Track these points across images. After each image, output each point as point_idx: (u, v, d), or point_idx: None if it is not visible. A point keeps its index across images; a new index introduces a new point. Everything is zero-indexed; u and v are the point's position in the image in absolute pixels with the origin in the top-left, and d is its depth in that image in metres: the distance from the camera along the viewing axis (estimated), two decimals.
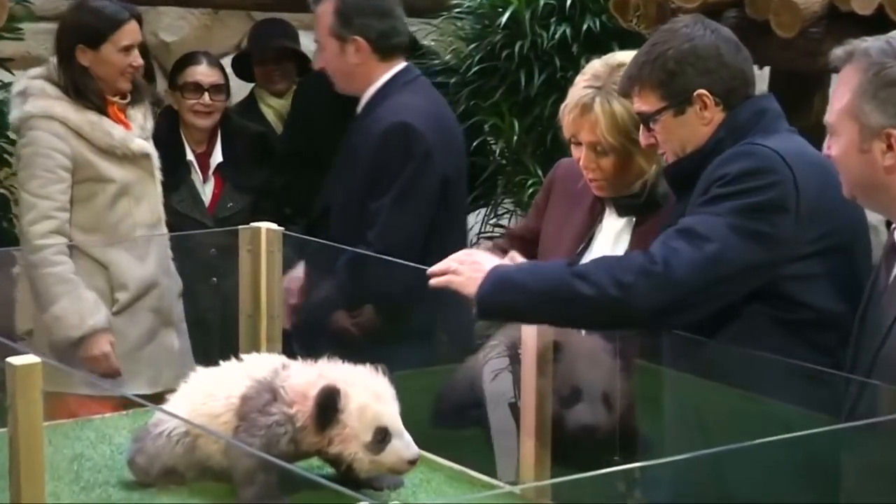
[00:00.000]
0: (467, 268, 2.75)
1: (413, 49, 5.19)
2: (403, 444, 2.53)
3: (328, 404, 2.51)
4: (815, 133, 4.06)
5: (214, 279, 4.44)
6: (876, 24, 3.69)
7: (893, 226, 2.60)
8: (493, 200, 5.09)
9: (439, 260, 2.85)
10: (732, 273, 2.66)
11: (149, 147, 4.22)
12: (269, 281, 3.31)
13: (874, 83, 2.47)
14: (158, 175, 4.27)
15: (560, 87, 4.41)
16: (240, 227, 3.37)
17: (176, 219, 4.51)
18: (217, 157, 4.72)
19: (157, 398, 3.56)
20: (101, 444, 2.96)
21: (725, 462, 2.18)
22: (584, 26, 4.74)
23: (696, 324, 2.68)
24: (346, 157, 4.09)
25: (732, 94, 2.86)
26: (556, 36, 4.75)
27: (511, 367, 3.28)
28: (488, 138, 5.05)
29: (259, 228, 3.31)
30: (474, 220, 5.14)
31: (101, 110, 4.13)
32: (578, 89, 3.15)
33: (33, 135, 4.08)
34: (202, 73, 4.71)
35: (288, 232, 3.36)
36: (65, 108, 4.09)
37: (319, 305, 3.93)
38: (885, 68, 2.47)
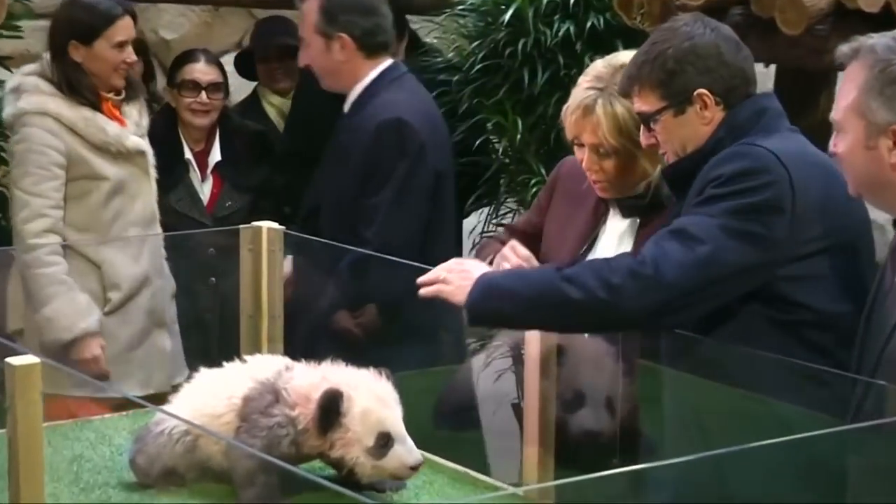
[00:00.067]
0: (456, 276, 2.76)
1: (415, 47, 5.21)
2: (406, 450, 2.53)
3: (331, 407, 2.52)
4: (822, 131, 4.06)
5: (213, 279, 4.44)
6: (882, 21, 3.68)
7: None
8: (495, 200, 5.09)
9: (431, 257, 2.85)
10: (725, 274, 2.65)
11: (144, 144, 4.22)
12: (270, 281, 3.31)
13: (880, 80, 2.48)
14: (153, 173, 4.26)
15: (564, 86, 4.42)
16: (241, 226, 3.37)
17: (174, 218, 4.51)
18: (215, 155, 4.71)
19: (156, 399, 3.58)
20: (100, 444, 2.96)
21: (729, 464, 2.19)
22: (588, 24, 4.74)
23: (693, 324, 2.69)
24: (335, 155, 4.09)
25: (733, 93, 2.86)
26: (560, 34, 4.76)
27: (514, 367, 3.29)
28: (491, 137, 5.05)
29: (260, 228, 3.31)
30: (477, 219, 5.15)
31: (95, 106, 4.12)
32: (581, 90, 3.16)
33: (27, 131, 4.08)
34: (200, 70, 4.71)
35: (289, 231, 3.36)
36: (59, 105, 4.09)
37: (320, 305, 3.94)
38: (891, 65, 2.47)
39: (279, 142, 4.98)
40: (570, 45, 4.76)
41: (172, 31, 6.91)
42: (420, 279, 2.81)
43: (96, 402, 3.84)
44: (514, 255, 3.27)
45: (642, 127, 2.95)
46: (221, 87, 4.73)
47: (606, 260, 2.73)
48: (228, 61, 5.37)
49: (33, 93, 4.11)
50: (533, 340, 2.80)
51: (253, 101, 5.28)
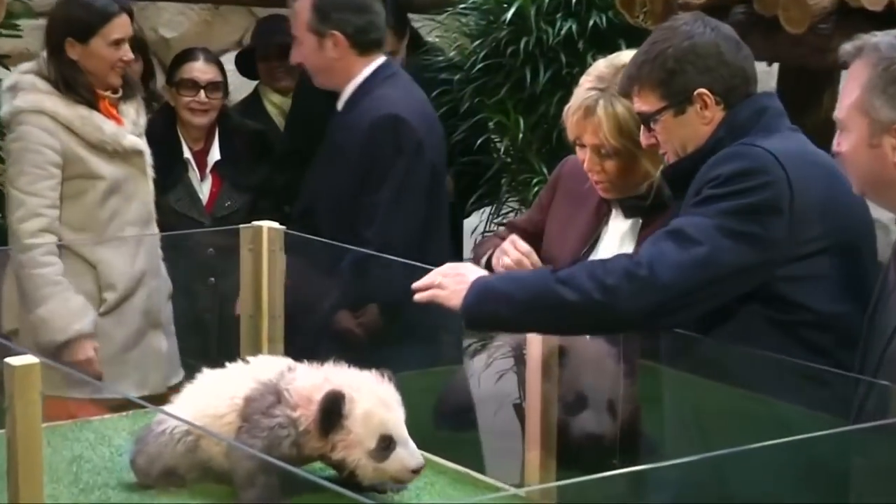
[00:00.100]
0: (451, 281, 2.76)
1: (417, 45, 5.22)
2: (408, 453, 2.53)
3: (333, 409, 2.52)
4: (825, 130, 4.06)
5: (213, 279, 4.44)
6: (886, 19, 3.68)
7: None
8: (497, 199, 5.09)
9: (427, 255, 2.85)
10: (722, 275, 2.65)
11: (141, 143, 4.21)
12: (270, 281, 3.31)
13: (884, 78, 2.48)
14: (150, 172, 4.25)
15: (566, 84, 4.42)
16: (241, 225, 3.37)
17: (173, 218, 4.51)
18: (215, 154, 4.71)
19: (153, 400, 3.57)
20: (100, 445, 2.96)
21: (731, 464, 2.19)
22: (591, 22, 4.74)
23: (692, 325, 2.69)
24: (329, 153, 4.10)
25: (733, 92, 2.85)
26: (562, 32, 4.76)
27: (515, 367, 3.29)
28: (493, 136, 5.05)
29: (260, 227, 3.31)
30: (478, 219, 5.15)
31: (92, 104, 4.12)
32: (582, 91, 3.16)
33: (23, 130, 4.08)
34: (199, 69, 4.71)
35: (290, 231, 3.36)
36: (55, 103, 4.08)
37: (320, 305, 3.94)
38: (894, 63, 2.47)
39: (280, 141, 4.98)
40: (573, 43, 4.76)
41: (172, 29, 6.90)
42: (415, 284, 2.82)
43: (94, 403, 3.85)
44: (514, 249, 3.28)
45: (642, 127, 2.95)
46: (220, 86, 4.73)
47: (602, 261, 2.72)
48: (229, 60, 5.37)
49: (30, 91, 4.11)
50: (534, 341, 2.80)
51: (254, 99, 5.28)
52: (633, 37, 4.35)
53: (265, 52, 5.25)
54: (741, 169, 2.69)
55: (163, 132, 4.64)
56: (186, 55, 4.81)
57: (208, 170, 4.70)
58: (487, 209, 5.15)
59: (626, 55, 3.14)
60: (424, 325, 3.73)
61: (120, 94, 4.19)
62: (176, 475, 2.69)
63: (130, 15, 4.20)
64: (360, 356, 2.70)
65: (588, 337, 2.92)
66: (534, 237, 3.34)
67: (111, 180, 4.13)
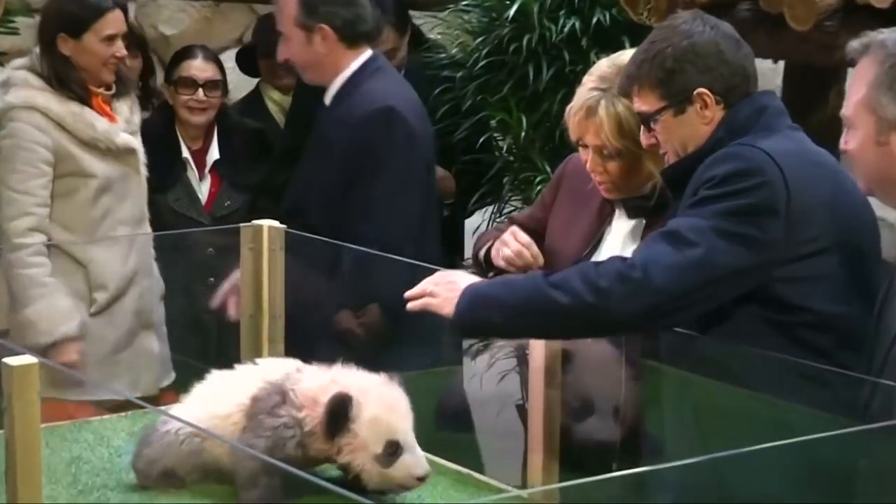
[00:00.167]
0: (443, 289, 2.76)
1: (419, 43, 5.21)
2: (414, 460, 2.53)
3: (339, 412, 2.51)
4: (831, 128, 4.05)
5: (212, 279, 4.43)
6: (892, 16, 3.68)
7: None
8: (499, 198, 5.09)
9: (420, 252, 2.84)
10: (717, 277, 2.64)
11: (134, 142, 4.20)
12: (271, 280, 3.31)
13: (890, 75, 2.48)
14: (144, 171, 4.24)
15: (569, 82, 4.42)
16: (241, 224, 3.37)
17: (172, 218, 4.51)
18: (214, 154, 4.70)
19: (146, 401, 3.57)
20: (99, 446, 2.97)
21: (736, 466, 2.19)
22: (594, 19, 4.74)
23: (690, 326, 2.68)
24: (318, 148, 4.09)
25: (733, 91, 2.85)
26: (566, 29, 4.75)
27: (517, 368, 3.29)
28: (495, 134, 5.05)
29: (261, 226, 3.31)
30: (480, 218, 5.15)
31: (84, 101, 4.11)
32: (584, 91, 3.16)
33: (14, 126, 4.07)
34: (197, 67, 4.70)
35: (290, 230, 3.36)
36: (47, 99, 4.07)
37: (320, 304, 3.93)
38: None
39: (280, 138, 4.98)
40: (576, 41, 4.76)
41: (172, 26, 6.90)
42: (407, 293, 2.81)
43: (90, 405, 3.84)
44: (515, 241, 3.28)
45: (642, 127, 2.95)
46: (219, 84, 4.72)
47: (595, 263, 2.71)
48: (229, 57, 5.37)
49: (22, 87, 4.10)
50: (536, 341, 2.80)
51: (255, 97, 5.28)
52: (637, 34, 4.34)
53: (266, 50, 5.24)
54: (736, 170, 2.69)
55: (161, 131, 4.64)
56: (185, 53, 4.81)
57: (207, 169, 4.69)
58: (489, 208, 5.15)
59: (628, 54, 3.13)
60: (426, 324, 3.72)
61: (113, 90, 4.19)
62: (178, 476, 2.69)
63: (124, 11, 4.19)
64: (361, 356, 2.70)
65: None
66: (535, 234, 3.34)
67: (103, 178, 4.12)
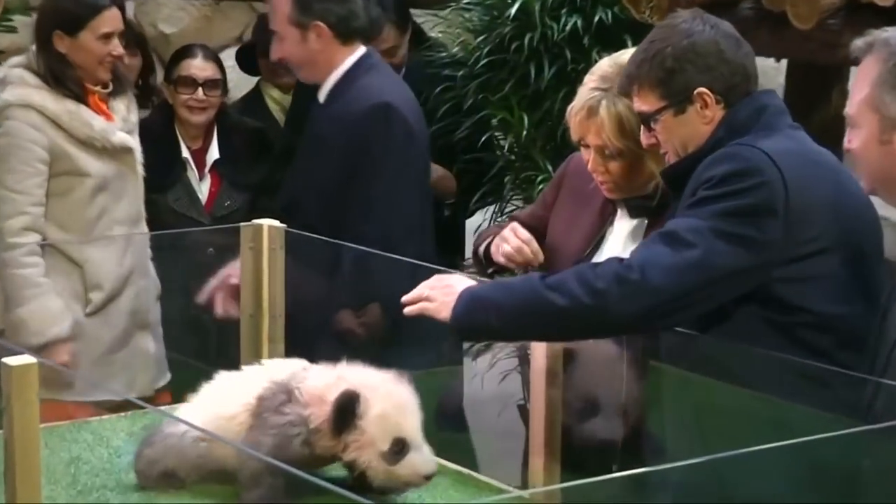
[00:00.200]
0: (439, 293, 2.75)
1: (420, 41, 5.21)
2: (421, 458, 2.52)
3: (347, 408, 2.51)
4: (834, 126, 4.05)
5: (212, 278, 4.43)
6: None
7: None
8: (501, 197, 5.09)
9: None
10: (715, 278, 2.64)
11: (131, 141, 4.19)
12: (271, 279, 3.31)
13: (894, 74, 2.48)
14: (141, 170, 4.23)
15: (571, 81, 4.42)
16: (241, 224, 3.37)
17: (172, 218, 4.51)
18: (213, 153, 4.70)
19: (147, 401, 3.56)
20: (98, 446, 2.97)
21: (739, 466, 2.19)
22: (596, 18, 4.74)
23: (690, 327, 2.68)
24: (313, 146, 4.09)
25: (733, 91, 2.84)
26: (567, 28, 4.75)
27: (519, 367, 3.29)
28: (496, 133, 5.05)
29: (261, 225, 3.31)
30: (482, 217, 5.15)
31: (80, 98, 4.10)
32: (586, 90, 3.15)
33: (9, 125, 4.06)
34: (197, 67, 4.70)
35: (290, 229, 3.36)
36: (43, 97, 4.07)
37: (320, 304, 3.93)
38: None
39: (280, 137, 4.98)
40: (578, 39, 4.76)
41: (172, 25, 6.90)
42: (403, 298, 2.81)
43: (86, 405, 3.84)
44: (515, 237, 3.28)
45: (642, 127, 2.94)
46: (219, 83, 4.72)
47: (593, 265, 2.71)
48: (229, 56, 5.37)
49: (18, 85, 4.09)
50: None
51: (255, 96, 5.28)
52: (639, 32, 4.33)
53: (266, 48, 5.22)
54: (735, 170, 2.68)
55: (161, 130, 4.64)
56: (184, 52, 4.81)
57: (207, 169, 4.69)
58: (491, 208, 5.15)
59: (630, 54, 3.14)
60: (427, 324, 3.72)
61: (110, 89, 4.18)
62: (180, 477, 2.68)
63: (122, 9, 4.18)
64: (362, 356, 2.69)
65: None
66: (536, 232, 3.34)
67: (99, 178, 4.11)
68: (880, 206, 2.79)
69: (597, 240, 3.25)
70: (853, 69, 2.62)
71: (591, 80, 3.17)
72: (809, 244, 2.69)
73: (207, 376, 2.81)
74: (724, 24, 2.91)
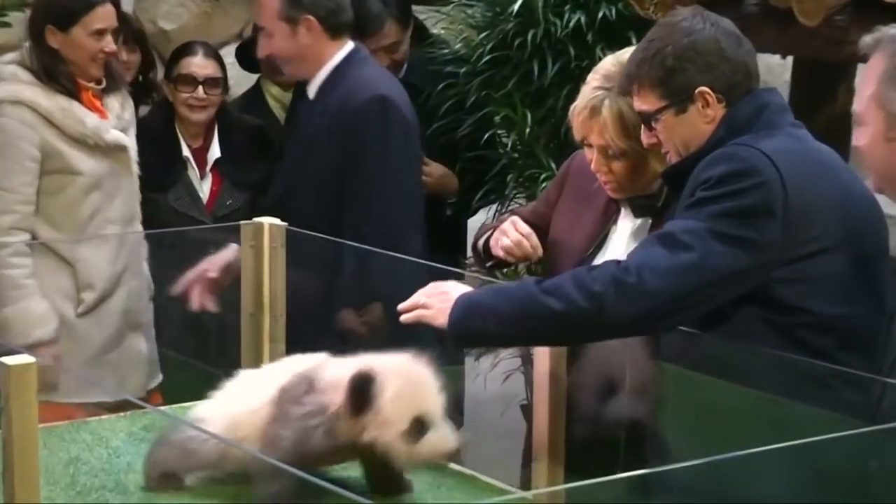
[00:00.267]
0: (435, 300, 2.75)
1: (421, 38, 5.21)
2: (442, 435, 2.50)
3: (362, 389, 2.50)
4: (840, 124, 4.06)
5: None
6: None
7: None
8: (503, 196, 5.09)
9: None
10: (713, 280, 2.63)
11: (125, 139, 4.18)
12: (272, 278, 3.31)
13: None
14: (135, 169, 4.23)
15: (574, 77, 4.42)
16: (241, 222, 3.37)
17: (173, 217, 4.50)
18: (215, 152, 4.69)
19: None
20: (97, 446, 2.97)
21: (744, 467, 2.19)
22: (600, 14, 4.74)
23: (689, 327, 2.68)
24: (304, 142, 4.08)
25: (735, 89, 2.83)
26: (571, 24, 4.75)
27: (522, 367, 3.29)
28: (499, 131, 5.05)
29: (262, 223, 3.31)
30: (484, 216, 5.15)
31: (73, 94, 4.10)
32: (589, 89, 3.15)
33: (1, 122, 4.06)
34: (197, 65, 4.69)
35: (291, 227, 3.36)
36: (35, 94, 4.06)
37: (321, 303, 3.93)
38: None
39: (281, 134, 4.98)
40: (581, 35, 4.76)
41: (171, 21, 6.89)
42: (400, 306, 2.81)
43: (83, 406, 3.85)
44: (514, 230, 3.28)
45: (643, 126, 2.93)
46: (220, 82, 4.71)
47: (589, 268, 2.70)
48: (228, 53, 5.36)
49: (10, 81, 4.09)
50: None
51: (255, 93, 5.27)
52: (643, 29, 4.31)
53: None
54: (732, 170, 2.67)
55: (161, 129, 4.63)
56: (185, 49, 4.80)
57: (208, 168, 4.68)
58: (493, 206, 5.15)
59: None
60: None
61: (104, 85, 4.17)
62: (194, 477, 2.68)
63: (116, 6, 4.18)
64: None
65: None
66: (537, 230, 3.34)
67: (92, 176, 4.10)
68: (886, 204, 2.79)
69: (600, 239, 3.24)
70: (860, 66, 2.62)
71: (593, 80, 3.17)
72: (810, 244, 2.68)
73: (206, 376, 2.81)
74: (724, 22, 2.90)
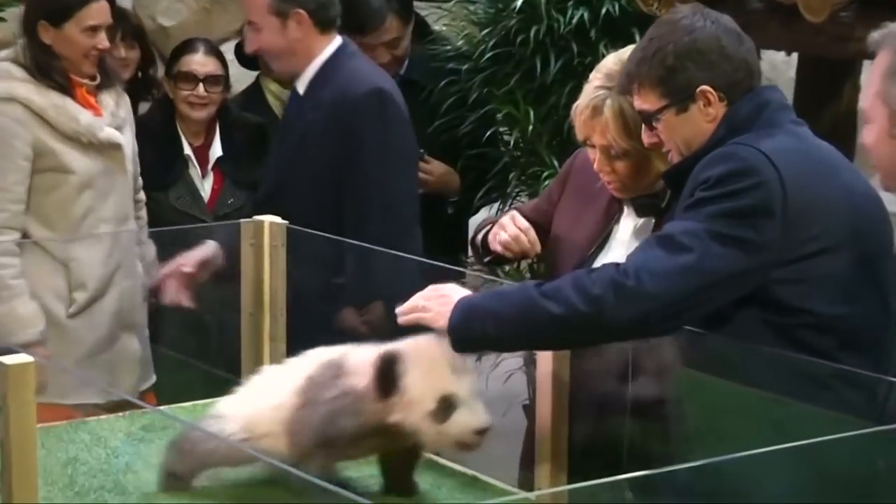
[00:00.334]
0: (435, 303, 2.74)
1: (423, 34, 5.21)
2: (471, 414, 2.50)
3: (388, 369, 2.51)
4: (846, 121, 4.06)
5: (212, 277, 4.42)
6: None
7: None
8: (506, 193, 5.09)
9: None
10: (712, 282, 2.62)
11: (119, 137, 4.17)
12: (272, 277, 3.31)
13: None
14: (130, 168, 4.22)
15: (577, 74, 4.42)
16: (242, 220, 3.37)
17: (174, 216, 4.49)
18: (216, 150, 4.68)
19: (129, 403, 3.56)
20: (95, 447, 2.97)
21: (748, 468, 2.19)
22: (603, 10, 4.74)
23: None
24: (294, 137, 4.07)
25: (736, 87, 2.82)
26: (574, 21, 4.75)
27: (525, 367, 3.29)
28: (501, 128, 5.05)
29: (262, 222, 3.31)
30: (486, 214, 5.15)
31: (66, 91, 4.09)
32: (591, 89, 3.14)
33: None
34: (198, 62, 4.68)
35: (292, 225, 3.36)
36: (28, 91, 4.06)
37: (321, 302, 3.93)
38: None
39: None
40: (584, 32, 4.76)
41: (170, 17, 6.90)
42: (398, 308, 2.82)
43: (81, 407, 3.85)
44: (513, 225, 3.28)
45: (644, 126, 2.93)
46: (220, 79, 4.71)
47: (588, 271, 2.70)
48: (228, 49, 5.36)
49: (3, 78, 4.08)
50: None
51: (255, 90, 5.27)
52: (647, 25, 4.28)
53: None
54: (731, 171, 2.66)
55: (161, 127, 4.63)
56: (186, 47, 4.79)
57: (210, 166, 4.67)
58: (495, 205, 5.15)
59: None
60: None
61: (98, 81, 4.16)
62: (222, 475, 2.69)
63: (111, 3, 4.17)
64: None
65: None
66: (538, 227, 3.34)
67: (85, 175, 4.10)
68: (891, 202, 2.79)
69: (602, 238, 3.24)
70: (866, 63, 2.62)
71: (596, 78, 3.16)
72: (810, 244, 2.67)
73: (206, 376, 2.82)
74: (724, 19, 2.89)
